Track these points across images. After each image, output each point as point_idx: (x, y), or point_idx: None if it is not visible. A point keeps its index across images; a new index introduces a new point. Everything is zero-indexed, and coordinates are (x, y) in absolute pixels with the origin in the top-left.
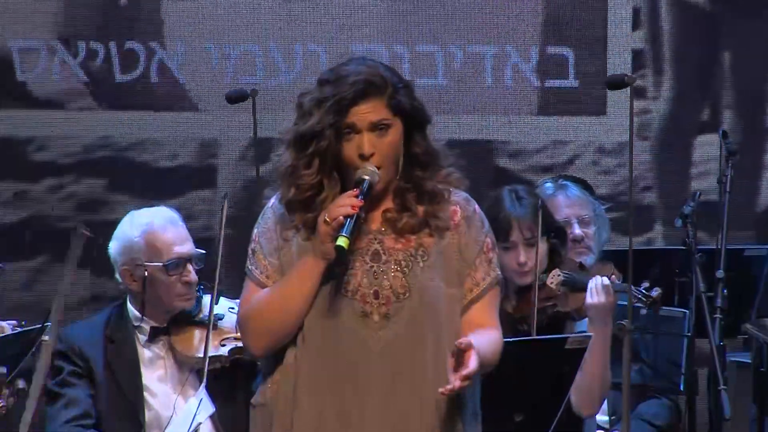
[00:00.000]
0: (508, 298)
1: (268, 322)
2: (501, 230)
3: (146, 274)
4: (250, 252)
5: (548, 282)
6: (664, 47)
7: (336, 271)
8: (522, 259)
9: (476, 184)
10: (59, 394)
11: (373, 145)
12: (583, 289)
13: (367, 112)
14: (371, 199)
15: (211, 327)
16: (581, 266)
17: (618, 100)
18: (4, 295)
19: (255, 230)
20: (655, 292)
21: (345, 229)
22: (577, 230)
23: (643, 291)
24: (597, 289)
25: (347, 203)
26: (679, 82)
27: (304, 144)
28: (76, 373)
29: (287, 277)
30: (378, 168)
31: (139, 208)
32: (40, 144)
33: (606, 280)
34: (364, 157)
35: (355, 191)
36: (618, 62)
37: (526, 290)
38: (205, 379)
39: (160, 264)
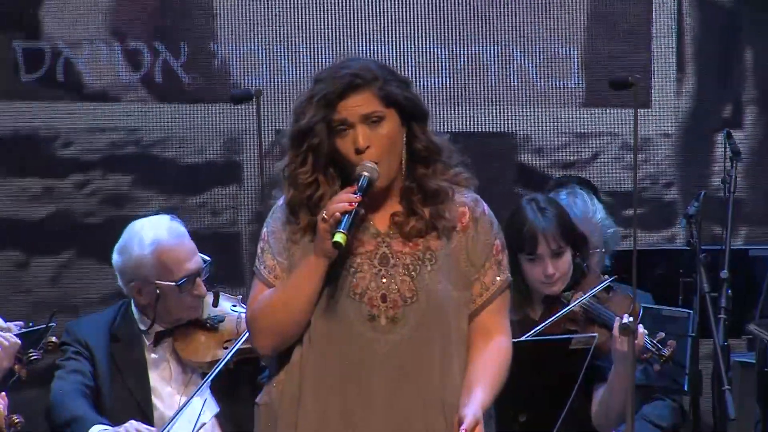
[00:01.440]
0: (533, 308)
1: (274, 321)
2: (527, 243)
3: (157, 291)
4: (258, 251)
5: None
6: (685, 44)
7: (343, 274)
8: (550, 271)
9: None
10: (65, 365)
11: (367, 138)
12: (603, 324)
13: (356, 105)
14: (377, 198)
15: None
16: (607, 289)
17: (663, 94)
18: (30, 291)
19: (264, 229)
20: (668, 350)
21: (342, 225)
22: None
23: (658, 345)
24: (623, 337)
25: (344, 199)
26: (700, 78)
27: (298, 143)
28: (80, 353)
29: (291, 276)
30: (376, 162)
31: (145, 213)
32: (66, 140)
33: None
34: (359, 151)
35: (353, 188)
36: (661, 57)
37: (552, 301)
38: (209, 380)
39: (173, 283)
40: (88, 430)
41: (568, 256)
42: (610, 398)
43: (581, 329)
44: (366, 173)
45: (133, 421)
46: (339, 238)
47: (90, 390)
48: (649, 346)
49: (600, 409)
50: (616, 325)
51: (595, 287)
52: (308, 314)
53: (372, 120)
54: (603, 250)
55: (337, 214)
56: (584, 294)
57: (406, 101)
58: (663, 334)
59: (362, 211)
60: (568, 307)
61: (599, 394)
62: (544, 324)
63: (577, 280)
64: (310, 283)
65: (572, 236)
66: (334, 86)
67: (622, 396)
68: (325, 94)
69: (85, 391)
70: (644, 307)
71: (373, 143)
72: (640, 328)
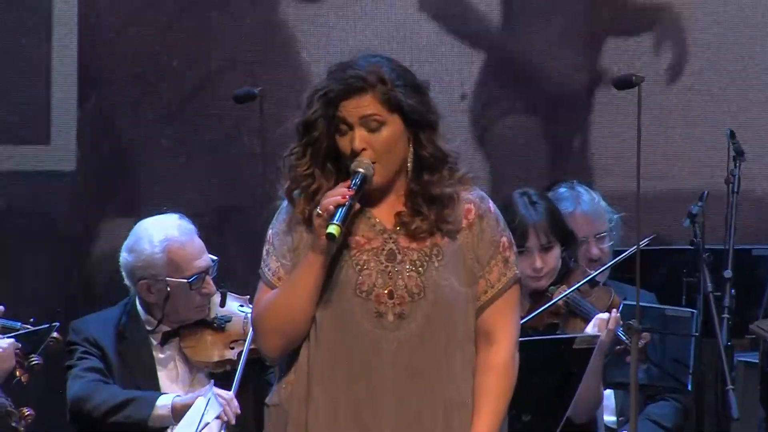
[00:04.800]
0: (521, 302)
1: (276, 321)
2: (516, 236)
3: (168, 289)
4: (264, 253)
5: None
6: None
7: (350, 271)
8: (538, 264)
9: None
10: (78, 364)
11: (364, 141)
12: (584, 317)
13: (357, 106)
14: (382, 196)
15: None
16: (592, 283)
17: None
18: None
19: (269, 231)
20: (641, 342)
21: (336, 218)
22: (595, 250)
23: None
24: (599, 326)
25: (337, 193)
26: None
27: (301, 134)
28: (89, 352)
29: (291, 275)
30: (373, 162)
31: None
32: None
33: (609, 316)
34: (355, 154)
35: (347, 182)
36: None
37: (538, 295)
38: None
39: (184, 280)
40: (154, 403)
41: (556, 252)
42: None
43: (563, 322)
44: (361, 170)
45: (213, 386)
46: (332, 229)
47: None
48: (622, 338)
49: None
50: (595, 318)
51: (578, 282)
52: (310, 312)
53: (371, 124)
54: (609, 233)
55: (330, 207)
56: (568, 288)
57: (411, 109)
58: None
59: (357, 205)
60: (551, 302)
61: None
62: (525, 318)
63: (564, 275)
64: (310, 279)
65: (561, 232)
66: (337, 85)
67: (589, 385)
68: (328, 92)
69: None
70: (647, 307)
71: (370, 146)
72: (614, 313)
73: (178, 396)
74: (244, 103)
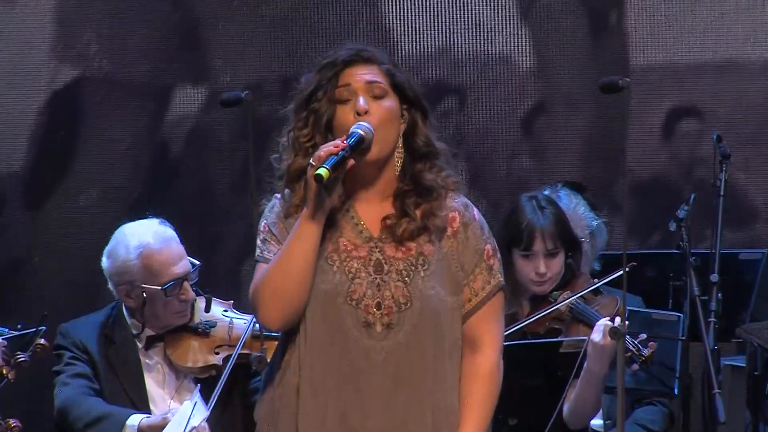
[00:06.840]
0: (521, 305)
1: (275, 284)
2: (524, 239)
3: (144, 295)
4: (259, 242)
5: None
6: None
7: (342, 279)
8: (542, 269)
9: None
10: (65, 370)
11: (368, 105)
12: (588, 324)
13: (362, 72)
14: (370, 199)
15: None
16: (596, 291)
17: None
18: None
19: (263, 222)
20: (648, 351)
21: (326, 162)
22: None
23: (639, 345)
24: (603, 331)
25: (331, 144)
26: None
27: (302, 108)
28: (77, 357)
29: (287, 239)
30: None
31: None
32: None
33: (612, 324)
34: (359, 115)
35: (343, 137)
36: None
37: (540, 300)
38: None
39: (159, 287)
40: (124, 422)
41: (561, 258)
42: (581, 394)
43: (566, 328)
44: (360, 131)
45: (200, 391)
46: (321, 171)
47: (95, 392)
48: (630, 346)
49: (571, 405)
50: (599, 322)
51: (584, 289)
52: (308, 275)
53: (375, 91)
54: (587, 240)
55: (322, 154)
56: (572, 294)
57: (409, 86)
58: (645, 336)
59: (351, 161)
60: (554, 305)
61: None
62: (528, 320)
63: (567, 281)
64: (305, 238)
65: (567, 238)
66: (342, 55)
67: (591, 392)
68: (332, 61)
69: (92, 394)
70: (634, 311)
71: (372, 111)
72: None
73: (147, 416)
74: (231, 107)
